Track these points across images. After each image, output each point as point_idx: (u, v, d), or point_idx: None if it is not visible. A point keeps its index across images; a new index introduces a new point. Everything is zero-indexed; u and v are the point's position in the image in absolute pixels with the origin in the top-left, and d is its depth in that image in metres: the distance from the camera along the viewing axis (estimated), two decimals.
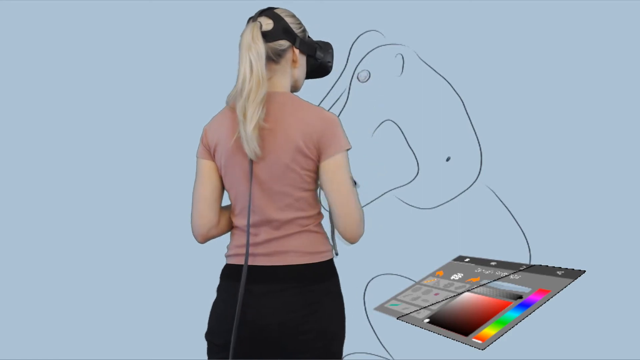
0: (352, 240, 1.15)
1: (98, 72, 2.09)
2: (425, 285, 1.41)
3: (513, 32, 1.63)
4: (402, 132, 1.62)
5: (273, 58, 1.15)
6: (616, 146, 1.61)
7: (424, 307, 1.25)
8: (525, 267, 1.30)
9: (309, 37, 1.24)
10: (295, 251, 1.13)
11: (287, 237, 1.13)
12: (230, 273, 1.18)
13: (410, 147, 1.61)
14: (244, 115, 1.06)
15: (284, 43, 1.15)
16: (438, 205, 1.56)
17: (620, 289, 1.58)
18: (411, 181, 1.61)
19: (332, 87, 1.57)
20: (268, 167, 1.11)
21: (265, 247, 1.13)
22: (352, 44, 1.58)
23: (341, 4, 1.72)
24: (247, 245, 1.12)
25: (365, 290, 1.55)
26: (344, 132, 1.14)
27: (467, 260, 1.48)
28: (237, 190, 1.16)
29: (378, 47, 1.59)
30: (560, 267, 1.21)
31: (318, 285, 1.13)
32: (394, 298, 1.40)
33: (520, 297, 1.13)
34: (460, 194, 1.53)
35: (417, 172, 1.61)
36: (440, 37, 1.63)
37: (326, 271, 1.16)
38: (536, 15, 1.64)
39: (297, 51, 1.18)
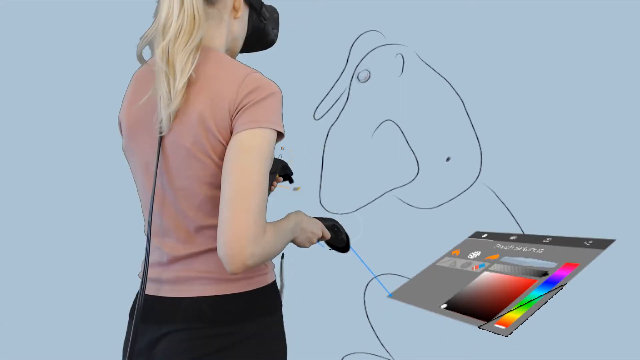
0: (230, 265, 0.71)
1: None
2: (441, 267, 1.28)
3: (513, 32, 1.63)
4: (402, 132, 1.62)
5: None
6: (616, 146, 1.61)
7: (440, 292, 1.11)
8: (549, 239, 1.15)
9: None
10: (203, 277, 0.80)
11: (195, 256, 0.81)
12: (133, 305, 0.89)
13: (411, 147, 1.62)
14: (170, 64, 0.74)
15: None
16: (438, 205, 1.56)
17: (621, 289, 1.58)
18: (411, 181, 1.62)
19: (332, 87, 1.57)
20: (171, 152, 0.79)
21: (171, 269, 0.83)
22: (352, 44, 1.58)
23: (341, 4, 1.72)
24: (146, 264, 0.79)
25: (365, 290, 1.55)
26: (278, 110, 0.79)
27: (484, 236, 1.33)
28: (137, 185, 0.87)
29: (378, 47, 1.59)
30: (588, 238, 1.06)
31: (234, 326, 0.79)
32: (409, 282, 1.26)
33: (546, 273, 1.00)
34: (461, 194, 1.53)
35: (417, 172, 1.61)
36: (440, 37, 1.63)
37: (250, 306, 0.81)
38: (536, 15, 1.64)
39: None
